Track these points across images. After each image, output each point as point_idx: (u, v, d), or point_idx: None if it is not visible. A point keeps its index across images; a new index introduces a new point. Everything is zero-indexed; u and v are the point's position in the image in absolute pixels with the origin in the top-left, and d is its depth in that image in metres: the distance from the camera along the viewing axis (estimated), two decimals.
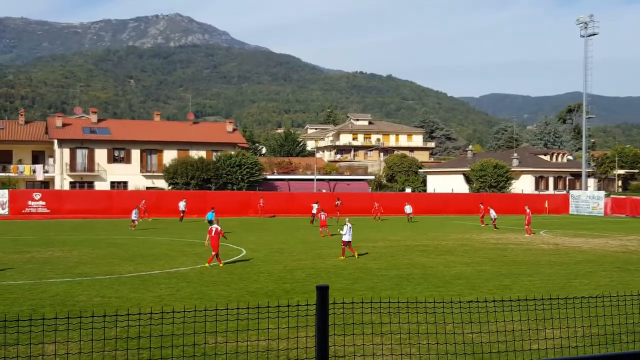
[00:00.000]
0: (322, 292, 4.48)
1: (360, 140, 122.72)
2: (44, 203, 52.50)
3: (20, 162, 69.23)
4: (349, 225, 25.71)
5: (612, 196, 68.89)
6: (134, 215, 40.69)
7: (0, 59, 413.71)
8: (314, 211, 46.62)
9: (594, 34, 72.32)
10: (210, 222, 40.44)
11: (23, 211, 51.39)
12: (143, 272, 21.01)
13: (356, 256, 25.35)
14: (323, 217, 36.40)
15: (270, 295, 16.46)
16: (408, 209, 52.95)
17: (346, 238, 25.26)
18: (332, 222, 42.76)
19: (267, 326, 9.53)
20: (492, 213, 44.17)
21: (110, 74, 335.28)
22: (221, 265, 22.48)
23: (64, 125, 71.10)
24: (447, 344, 9.64)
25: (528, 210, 39.30)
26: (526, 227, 38.78)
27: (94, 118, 74.75)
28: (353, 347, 9.33)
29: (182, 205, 48.82)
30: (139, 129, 75.90)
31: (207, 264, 22.55)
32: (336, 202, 52.97)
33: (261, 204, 54.98)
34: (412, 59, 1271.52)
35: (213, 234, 23.01)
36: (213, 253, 22.72)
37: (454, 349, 9.63)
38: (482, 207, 49.18)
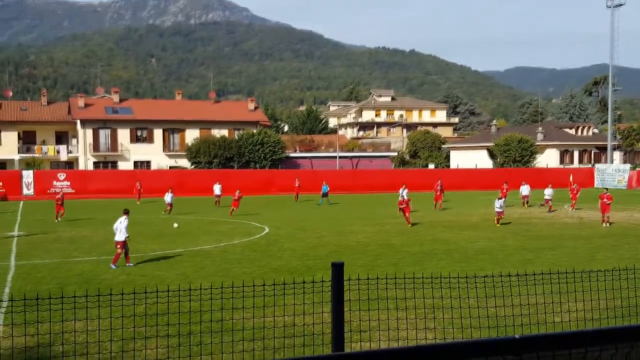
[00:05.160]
0: (337, 269, 4.59)
1: (383, 116, 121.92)
2: (68, 183, 53.25)
3: (44, 142, 70.07)
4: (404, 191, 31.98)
5: (638, 169, 67.98)
6: (168, 199, 37.12)
7: (22, 40, 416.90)
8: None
9: (620, 5, 71.30)
10: (325, 195, 43.96)
11: (48, 191, 51.92)
12: (167, 250, 21.30)
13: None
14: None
15: (293, 272, 16.61)
16: (525, 189, 40.98)
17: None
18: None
19: (293, 302, 9.65)
20: (526, 189, 40.70)
21: (131, 52, 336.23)
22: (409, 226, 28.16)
23: (86, 105, 71.69)
24: (470, 318, 9.68)
25: (575, 186, 37.76)
26: (573, 201, 37.16)
27: (116, 98, 75.16)
28: (378, 322, 9.41)
29: (217, 189, 43.58)
30: (161, 108, 76.23)
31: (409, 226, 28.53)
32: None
33: (297, 185, 49.42)
34: (436, 33, 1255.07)
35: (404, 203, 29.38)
36: (407, 214, 28.96)
37: (477, 323, 9.67)
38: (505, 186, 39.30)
